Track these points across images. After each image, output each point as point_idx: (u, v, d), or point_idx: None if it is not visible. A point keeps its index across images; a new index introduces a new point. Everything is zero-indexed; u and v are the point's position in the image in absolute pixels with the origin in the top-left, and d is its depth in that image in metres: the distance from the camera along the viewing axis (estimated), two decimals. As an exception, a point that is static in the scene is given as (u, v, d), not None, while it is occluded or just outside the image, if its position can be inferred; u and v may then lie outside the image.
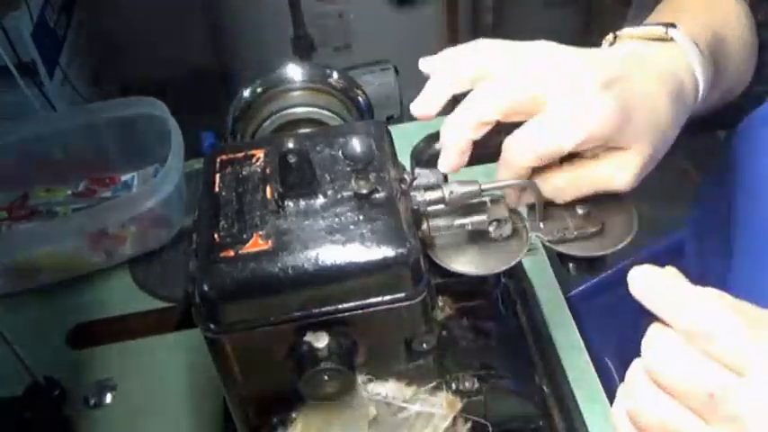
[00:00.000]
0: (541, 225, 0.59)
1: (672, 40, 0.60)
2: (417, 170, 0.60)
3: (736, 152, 0.68)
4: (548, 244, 0.59)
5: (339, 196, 0.56)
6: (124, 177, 1.12)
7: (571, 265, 0.60)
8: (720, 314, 0.40)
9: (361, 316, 0.54)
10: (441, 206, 0.59)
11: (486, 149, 0.58)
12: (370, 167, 0.55)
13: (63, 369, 0.87)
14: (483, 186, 0.58)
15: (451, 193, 0.58)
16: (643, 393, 0.43)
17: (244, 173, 0.59)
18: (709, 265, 0.74)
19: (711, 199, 0.77)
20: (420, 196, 0.58)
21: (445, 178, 0.60)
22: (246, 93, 0.70)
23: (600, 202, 0.61)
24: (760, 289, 0.63)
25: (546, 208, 0.61)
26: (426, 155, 0.60)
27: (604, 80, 0.55)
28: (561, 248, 0.59)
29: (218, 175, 0.59)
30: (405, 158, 0.61)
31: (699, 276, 0.71)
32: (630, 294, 0.58)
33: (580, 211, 0.60)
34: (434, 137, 0.60)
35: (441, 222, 0.59)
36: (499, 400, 0.63)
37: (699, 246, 0.80)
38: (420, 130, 0.62)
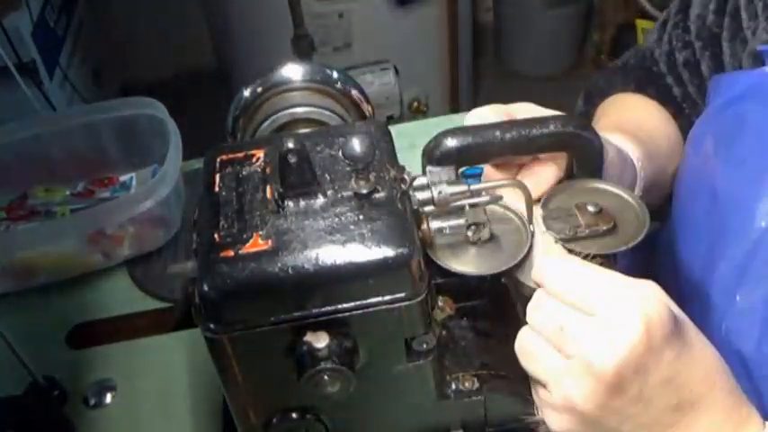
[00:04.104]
0: (531, 228, 0.59)
1: None
2: (429, 168, 0.60)
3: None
4: (560, 243, 0.58)
5: (339, 196, 0.56)
6: (123, 178, 1.12)
7: None
8: (572, 274, 0.54)
9: (361, 316, 0.53)
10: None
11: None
12: (370, 167, 0.55)
13: (63, 369, 0.87)
14: (472, 187, 0.58)
15: (440, 193, 0.58)
16: (524, 328, 0.57)
17: (244, 173, 0.59)
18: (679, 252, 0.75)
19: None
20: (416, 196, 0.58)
21: (456, 176, 0.60)
22: (246, 93, 0.70)
23: (611, 199, 0.61)
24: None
25: (558, 206, 0.60)
26: (438, 153, 0.59)
27: None
28: (574, 246, 0.58)
29: (218, 175, 0.59)
30: (404, 158, 0.60)
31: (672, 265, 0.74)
32: None
33: (591, 208, 0.59)
34: (445, 134, 0.59)
35: (440, 222, 0.59)
36: (499, 400, 0.63)
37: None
38: (419, 130, 0.62)
